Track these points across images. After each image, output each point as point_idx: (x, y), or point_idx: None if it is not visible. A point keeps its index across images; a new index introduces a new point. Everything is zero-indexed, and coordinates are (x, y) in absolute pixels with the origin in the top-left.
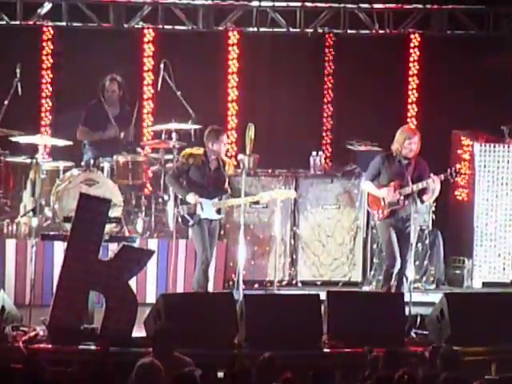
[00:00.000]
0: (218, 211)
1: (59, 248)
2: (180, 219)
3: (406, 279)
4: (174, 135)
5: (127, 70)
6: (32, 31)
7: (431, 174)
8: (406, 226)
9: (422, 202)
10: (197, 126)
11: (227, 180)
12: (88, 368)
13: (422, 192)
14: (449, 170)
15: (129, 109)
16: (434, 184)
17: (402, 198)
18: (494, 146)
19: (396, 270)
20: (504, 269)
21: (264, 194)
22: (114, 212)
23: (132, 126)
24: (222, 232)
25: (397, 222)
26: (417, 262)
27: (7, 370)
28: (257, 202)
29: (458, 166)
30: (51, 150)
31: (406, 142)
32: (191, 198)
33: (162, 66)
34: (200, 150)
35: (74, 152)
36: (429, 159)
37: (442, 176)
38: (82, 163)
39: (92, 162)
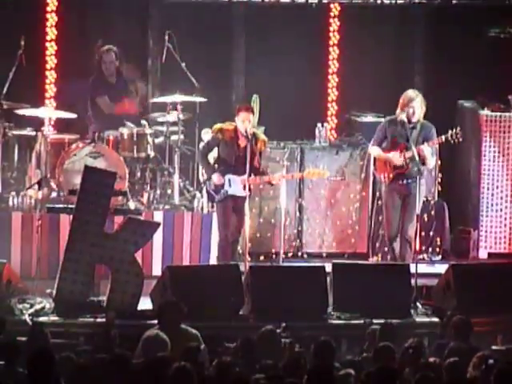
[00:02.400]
0: (245, 188)
1: (65, 221)
2: (206, 194)
3: (410, 244)
4: (178, 107)
5: (133, 42)
6: (36, 2)
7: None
8: (411, 190)
9: (424, 164)
10: (201, 99)
11: (258, 157)
12: (94, 340)
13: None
14: (450, 132)
15: (126, 80)
16: (431, 148)
17: (407, 161)
18: (500, 116)
19: (394, 238)
20: (510, 239)
21: (294, 173)
22: (120, 184)
23: (137, 98)
24: (254, 210)
25: (401, 186)
26: (423, 233)
27: (13, 343)
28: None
29: (459, 128)
30: (56, 123)
31: (410, 104)
32: (215, 178)
33: (166, 37)
34: (231, 126)
35: (79, 124)
36: (435, 130)
37: (443, 137)
38: (87, 136)
39: (97, 134)
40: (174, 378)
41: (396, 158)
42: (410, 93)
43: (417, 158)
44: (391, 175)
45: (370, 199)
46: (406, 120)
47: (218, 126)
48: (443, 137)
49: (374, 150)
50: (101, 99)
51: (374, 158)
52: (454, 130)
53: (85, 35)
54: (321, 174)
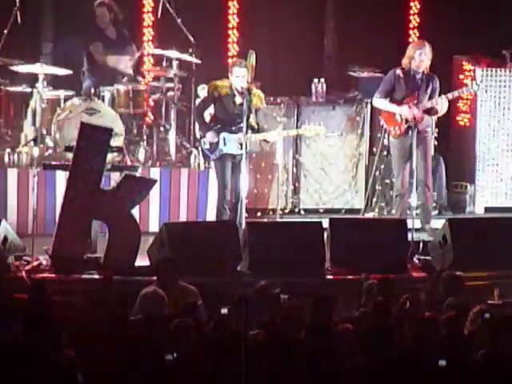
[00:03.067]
0: (241, 145)
1: (61, 177)
2: (202, 154)
3: (429, 191)
4: (174, 63)
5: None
6: None
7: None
8: (423, 139)
9: (435, 115)
10: (196, 60)
11: (254, 114)
12: (91, 297)
13: (430, 108)
14: (466, 88)
15: (127, 33)
16: (444, 101)
17: (420, 113)
18: (496, 71)
19: (403, 192)
20: (506, 193)
21: (290, 130)
22: (116, 141)
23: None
24: (251, 166)
25: (412, 138)
26: (419, 188)
27: (10, 299)
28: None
29: (472, 83)
30: (51, 79)
31: (417, 53)
32: (210, 136)
33: None
34: (227, 82)
35: (75, 81)
36: None
37: (456, 93)
38: (83, 92)
39: (92, 90)
40: (172, 334)
41: (405, 111)
42: (420, 43)
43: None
44: (402, 128)
45: (366, 155)
46: (414, 70)
47: (213, 82)
48: (456, 92)
49: (381, 102)
50: (94, 46)
51: (380, 111)
52: (472, 86)
53: None
54: (317, 131)
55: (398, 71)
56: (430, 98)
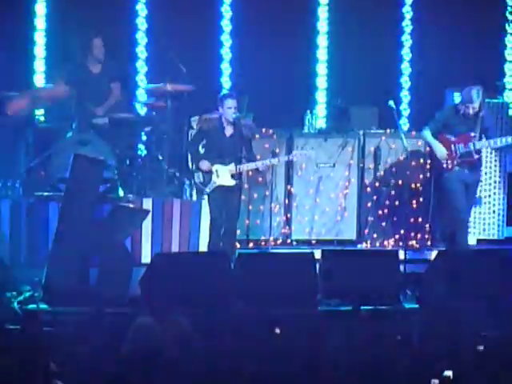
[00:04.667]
0: (234, 176)
1: (54, 208)
2: (195, 187)
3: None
4: (167, 95)
5: (118, 32)
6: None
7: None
8: (475, 177)
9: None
10: (189, 87)
11: (246, 144)
12: (82, 329)
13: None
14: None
15: (112, 64)
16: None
17: (476, 152)
18: (489, 103)
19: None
20: (498, 225)
21: (282, 156)
22: (108, 172)
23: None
24: (243, 197)
25: (464, 174)
26: (411, 220)
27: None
28: (276, 164)
29: None
30: (45, 110)
31: (470, 104)
32: (203, 164)
33: (154, 25)
34: (215, 115)
35: (68, 111)
36: (423, 119)
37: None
38: (75, 123)
39: (85, 121)
40: (165, 366)
41: (441, 151)
42: (471, 93)
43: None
44: (455, 162)
45: (358, 185)
46: (469, 112)
47: (202, 117)
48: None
49: (427, 135)
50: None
51: (430, 143)
52: None
53: (70, 25)
54: (307, 154)
55: (452, 109)
56: (480, 138)
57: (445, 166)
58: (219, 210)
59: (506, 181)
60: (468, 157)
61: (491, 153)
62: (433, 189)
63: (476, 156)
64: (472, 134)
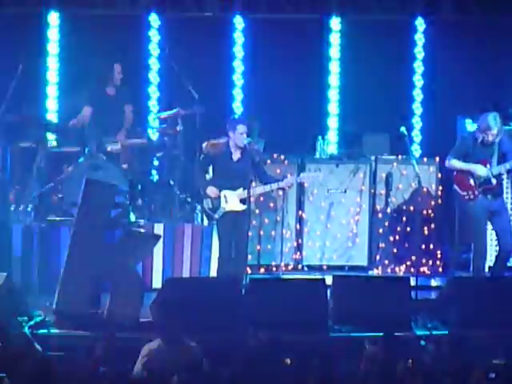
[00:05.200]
0: (243, 201)
1: (65, 233)
2: (204, 214)
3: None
4: (179, 121)
5: (131, 58)
6: (36, 17)
7: None
8: (501, 205)
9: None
10: (201, 112)
11: (256, 167)
12: (94, 353)
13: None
14: None
15: (125, 87)
16: None
17: (494, 177)
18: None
19: (485, 258)
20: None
21: (290, 178)
22: (120, 197)
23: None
24: (254, 222)
25: (488, 201)
26: (423, 246)
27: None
28: (282, 188)
29: None
30: (58, 135)
31: (488, 131)
32: (210, 191)
33: (166, 51)
34: (222, 140)
35: (81, 136)
36: (435, 146)
37: None
38: (87, 148)
39: (97, 146)
40: None
41: (481, 169)
42: (489, 120)
43: (503, 174)
44: (476, 192)
45: (370, 211)
46: (488, 140)
47: (209, 142)
48: None
49: (455, 162)
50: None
51: (453, 173)
52: None
53: (84, 51)
54: (315, 175)
55: (471, 136)
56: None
57: (467, 197)
58: (229, 235)
59: None
60: (488, 184)
61: (508, 178)
62: (457, 214)
63: (495, 182)
64: (490, 160)
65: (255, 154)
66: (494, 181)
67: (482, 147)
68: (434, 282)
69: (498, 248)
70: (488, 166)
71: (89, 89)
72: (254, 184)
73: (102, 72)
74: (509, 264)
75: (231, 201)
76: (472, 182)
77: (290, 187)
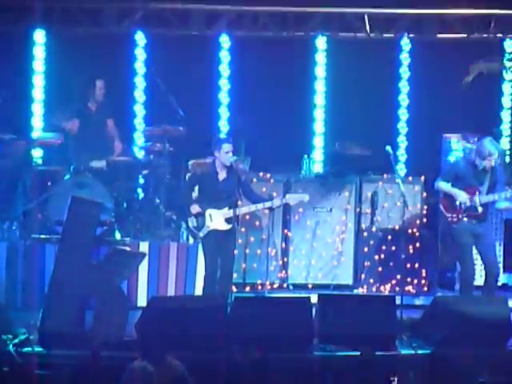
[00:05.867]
0: (229, 221)
1: (51, 251)
2: (189, 232)
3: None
4: (165, 139)
5: (117, 75)
6: (24, 34)
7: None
8: (484, 229)
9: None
10: (187, 131)
11: (242, 186)
12: (78, 372)
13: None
14: None
15: (107, 101)
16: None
17: (479, 204)
18: None
19: (473, 279)
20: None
21: (276, 199)
22: (105, 215)
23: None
24: (240, 241)
25: (473, 226)
26: (408, 265)
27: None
28: (269, 208)
29: None
30: (43, 153)
31: (487, 158)
32: (193, 209)
33: (152, 69)
34: (208, 160)
35: (66, 154)
36: (420, 165)
37: None
38: (72, 166)
39: (83, 164)
40: None
41: (463, 196)
42: (489, 146)
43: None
44: (460, 216)
45: (355, 230)
46: (490, 165)
47: (194, 161)
48: None
49: (443, 185)
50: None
51: (442, 195)
52: None
53: (70, 68)
54: (300, 197)
55: (465, 160)
56: (492, 191)
57: (450, 219)
58: (214, 254)
59: (502, 227)
60: (473, 211)
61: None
62: (439, 235)
63: (480, 210)
64: (480, 189)
65: (241, 172)
66: (479, 209)
67: (474, 173)
68: (418, 301)
69: (484, 270)
70: (477, 193)
71: (72, 104)
72: (240, 203)
73: (84, 88)
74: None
75: (216, 220)
76: (457, 205)
77: (276, 208)
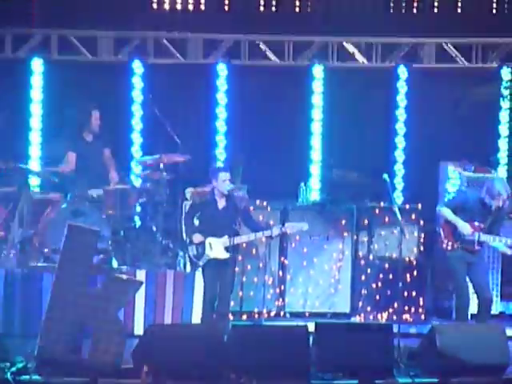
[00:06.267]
0: (228, 249)
1: (48, 279)
2: (189, 260)
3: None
4: (162, 167)
5: (115, 104)
6: (22, 64)
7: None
8: (477, 257)
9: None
10: (184, 158)
11: (244, 214)
12: None
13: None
14: None
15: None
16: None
17: (478, 242)
18: (483, 177)
19: (467, 306)
20: (491, 301)
21: (275, 228)
22: (102, 243)
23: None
24: (237, 269)
25: (466, 254)
26: (405, 293)
27: None
28: (269, 236)
29: None
30: (40, 181)
31: (496, 198)
32: (195, 238)
33: (150, 98)
34: (207, 188)
35: (63, 183)
36: (417, 191)
37: None
38: (70, 194)
39: (80, 192)
40: None
41: (466, 229)
42: (499, 186)
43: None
44: (456, 245)
45: (352, 258)
46: (498, 205)
47: (194, 190)
48: None
49: (447, 212)
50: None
51: (441, 220)
52: None
53: (67, 97)
54: (299, 226)
55: (474, 194)
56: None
57: (444, 246)
58: (213, 282)
59: (499, 256)
60: (469, 244)
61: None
62: (432, 263)
63: (477, 247)
64: (482, 226)
65: (241, 199)
66: (476, 247)
67: (481, 209)
68: (415, 330)
69: (477, 298)
70: (480, 232)
71: (68, 135)
72: (239, 231)
73: (80, 119)
74: (494, 311)
75: (216, 248)
76: (456, 235)
77: (275, 237)
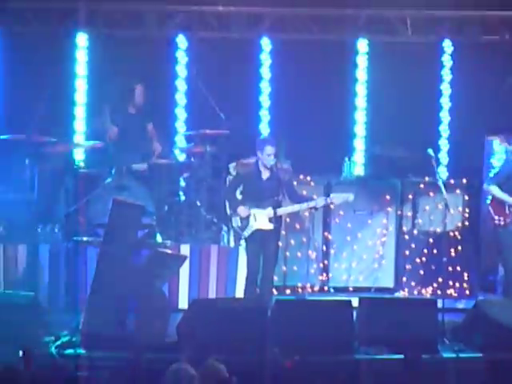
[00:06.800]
0: (272, 220)
1: (92, 253)
2: (233, 232)
3: None
4: (206, 141)
5: (159, 78)
6: (65, 38)
7: None
8: None
9: None
10: (227, 133)
11: (285, 186)
12: (120, 374)
13: None
14: None
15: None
16: None
17: None
18: None
19: None
20: None
21: (320, 198)
22: (147, 218)
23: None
24: (280, 243)
25: None
26: (450, 268)
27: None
28: (313, 207)
29: None
30: (85, 156)
31: None
32: (241, 210)
33: (194, 72)
34: (252, 160)
35: (107, 157)
36: (462, 168)
37: None
38: (114, 169)
39: (125, 167)
40: None
41: None
42: None
43: None
44: (508, 220)
45: (396, 233)
46: None
47: (239, 161)
48: None
49: (496, 190)
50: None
51: (489, 196)
52: None
53: (111, 72)
54: (345, 196)
55: None
56: None
57: (497, 222)
58: (257, 254)
59: None
60: None
61: None
62: (477, 238)
63: None
64: None
65: (284, 173)
66: None
67: None
68: (460, 305)
69: None
70: None
71: (112, 108)
72: (283, 203)
73: (124, 92)
74: None
75: (260, 219)
76: (507, 210)
77: (319, 207)
